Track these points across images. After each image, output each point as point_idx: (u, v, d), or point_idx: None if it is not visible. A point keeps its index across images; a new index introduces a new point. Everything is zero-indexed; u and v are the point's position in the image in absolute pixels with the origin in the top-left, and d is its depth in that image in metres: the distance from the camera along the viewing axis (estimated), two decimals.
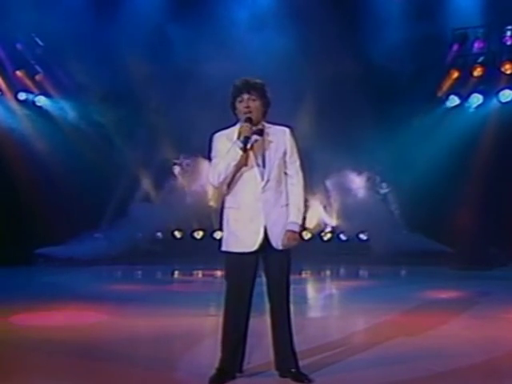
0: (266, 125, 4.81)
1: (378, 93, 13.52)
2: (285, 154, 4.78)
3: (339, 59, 13.31)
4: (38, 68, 14.27)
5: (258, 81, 4.79)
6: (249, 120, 4.68)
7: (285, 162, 4.78)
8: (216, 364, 4.75)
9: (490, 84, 13.76)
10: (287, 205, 4.76)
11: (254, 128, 4.69)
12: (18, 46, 13.99)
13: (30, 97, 14.45)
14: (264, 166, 4.69)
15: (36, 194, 13.27)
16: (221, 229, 4.88)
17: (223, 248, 4.77)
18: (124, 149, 14.52)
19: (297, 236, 4.73)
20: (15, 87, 14.28)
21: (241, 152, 4.60)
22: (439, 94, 14.36)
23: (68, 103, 14.62)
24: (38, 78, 14.38)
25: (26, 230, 13.09)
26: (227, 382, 4.69)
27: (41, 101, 14.54)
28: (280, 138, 4.79)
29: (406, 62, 13.30)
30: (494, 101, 13.71)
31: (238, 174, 4.69)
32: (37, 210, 13.18)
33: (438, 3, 13.68)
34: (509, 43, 13.44)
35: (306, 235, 14.67)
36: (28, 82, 14.36)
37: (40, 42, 13.98)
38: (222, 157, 4.67)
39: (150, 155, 14.60)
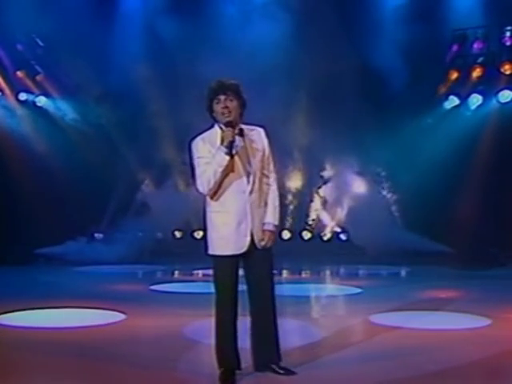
0: (244, 126, 4.85)
1: (378, 93, 13.53)
2: (263, 154, 4.86)
3: (339, 59, 13.29)
4: (38, 68, 14.34)
5: (233, 81, 4.83)
6: (229, 124, 4.70)
7: (263, 162, 4.85)
8: (218, 365, 4.80)
9: (490, 84, 13.77)
10: (265, 204, 4.85)
11: (236, 130, 4.72)
12: (19, 46, 14.06)
13: (31, 97, 14.52)
14: (250, 166, 4.76)
15: (36, 194, 13.30)
16: (205, 232, 4.89)
17: (211, 252, 4.81)
18: (124, 149, 14.54)
19: (275, 236, 4.84)
20: (16, 87, 14.37)
21: (227, 157, 4.63)
22: (439, 95, 14.39)
23: (68, 103, 14.67)
24: (38, 78, 14.44)
25: (25, 229, 13.12)
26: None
27: (41, 101, 14.60)
28: (258, 139, 4.87)
29: (406, 63, 13.33)
30: (494, 101, 13.72)
31: (226, 179, 4.72)
32: (37, 210, 13.21)
33: (438, 4, 13.70)
34: (508, 44, 13.45)
35: (306, 235, 14.71)
36: (28, 83, 14.43)
37: (40, 43, 14.05)
38: (205, 163, 4.70)
39: (151, 156, 14.63)
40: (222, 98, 4.74)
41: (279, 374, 4.85)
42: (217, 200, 4.78)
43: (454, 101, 14.24)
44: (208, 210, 4.84)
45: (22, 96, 14.40)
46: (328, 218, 15.06)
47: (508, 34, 13.37)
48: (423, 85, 13.88)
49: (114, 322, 7.08)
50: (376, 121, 13.54)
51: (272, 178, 4.94)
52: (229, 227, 4.73)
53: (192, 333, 6.57)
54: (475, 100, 13.99)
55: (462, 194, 13.15)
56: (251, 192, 4.75)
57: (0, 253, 12.11)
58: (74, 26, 13.04)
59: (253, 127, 4.93)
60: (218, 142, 4.73)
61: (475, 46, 13.84)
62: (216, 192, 4.76)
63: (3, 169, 13.30)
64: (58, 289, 9.80)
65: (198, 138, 4.83)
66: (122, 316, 7.36)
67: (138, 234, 14.34)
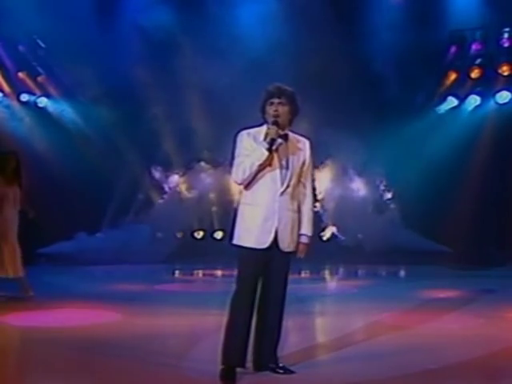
0: (290, 133, 4.96)
1: (377, 94, 13.60)
2: (303, 163, 4.95)
3: (337, 60, 13.34)
4: (39, 70, 14.40)
5: (289, 88, 4.92)
6: (276, 123, 4.80)
7: (302, 171, 4.95)
8: (222, 361, 4.78)
9: (488, 85, 13.90)
10: (298, 212, 4.94)
11: (281, 132, 4.82)
12: (21, 47, 14.12)
13: (32, 98, 14.59)
14: (287, 169, 4.85)
15: (38, 194, 13.29)
16: (234, 223, 4.96)
17: (235, 242, 4.88)
18: (125, 149, 14.59)
19: (309, 246, 5.00)
20: (17, 88, 14.42)
21: (266, 153, 4.74)
22: (437, 95, 14.47)
23: (69, 104, 14.73)
24: (39, 79, 14.51)
25: (28, 229, 13.12)
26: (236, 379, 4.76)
27: (42, 102, 14.67)
28: (301, 148, 4.97)
29: (405, 63, 13.37)
30: (492, 102, 13.85)
31: (261, 174, 4.81)
32: (39, 210, 13.21)
33: (437, 5, 13.73)
34: (506, 45, 13.57)
35: None
36: (30, 84, 14.50)
37: (42, 44, 14.09)
38: (245, 155, 4.81)
39: (152, 156, 14.70)
40: (276, 101, 4.85)
41: (278, 373, 4.89)
42: (250, 193, 4.87)
43: (452, 101, 14.36)
44: (241, 201, 4.96)
45: (24, 97, 14.47)
46: (327, 218, 15.10)
47: (506, 35, 13.49)
48: (422, 85, 13.96)
49: (115, 322, 7.10)
50: (375, 121, 13.59)
51: (309, 189, 5.05)
52: (255, 221, 4.80)
53: (193, 331, 6.62)
54: (473, 101, 14.11)
55: (460, 193, 13.23)
56: (283, 193, 4.82)
57: None
58: (75, 27, 13.05)
59: (301, 137, 5.04)
60: (261, 140, 4.83)
61: (473, 47, 13.95)
62: (250, 183, 4.85)
63: None
64: (59, 288, 9.82)
65: (244, 132, 4.94)
66: (122, 315, 7.38)
67: (138, 234, 14.42)
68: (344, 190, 15.14)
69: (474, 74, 14.01)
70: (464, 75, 14.17)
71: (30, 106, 14.58)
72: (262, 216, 4.80)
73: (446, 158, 13.24)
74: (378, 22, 13.68)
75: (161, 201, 15.33)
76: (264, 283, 4.90)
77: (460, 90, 14.27)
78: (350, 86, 13.43)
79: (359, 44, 13.56)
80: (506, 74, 13.55)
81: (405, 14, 13.77)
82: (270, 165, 4.80)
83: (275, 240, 4.81)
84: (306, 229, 5.00)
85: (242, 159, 4.81)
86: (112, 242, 13.75)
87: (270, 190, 4.82)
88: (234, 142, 4.95)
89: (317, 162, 14.55)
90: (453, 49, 14.18)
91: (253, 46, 13.20)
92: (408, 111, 14.03)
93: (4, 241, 8.39)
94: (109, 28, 13.48)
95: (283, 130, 4.88)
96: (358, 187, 15.10)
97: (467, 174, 13.35)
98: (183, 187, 15.26)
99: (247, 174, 4.80)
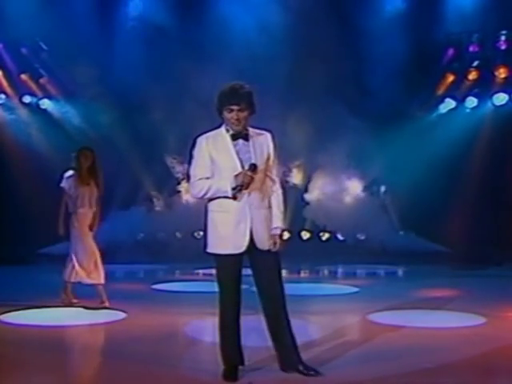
0: (250, 129, 4.90)
1: (375, 95, 13.59)
2: (268, 157, 4.89)
3: (335, 62, 13.42)
4: (42, 72, 14.47)
5: (247, 89, 4.78)
6: (253, 167, 4.72)
7: (268, 165, 4.89)
8: (222, 362, 4.88)
9: (485, 87, 13.99)
10: (269, 207, 4.90)
11: (249, 172, 4.68)
12: (23, 50, 14.21)
13: (35, 100, 14.67)
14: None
15: (39, 195, 13.39)
16: (205, 231, 4.94)
17: (210, 250, 4.86)
18: (126, 150, 14.65)
19: (282, 241, 4.92)
20: (20, 90, 14.51)
21: (230, 193, 4.69)
22: (435, 97, 14.57)
23: (71, 106, 14.82)
24: (42, 81, 14.58)
25: (29, 230, 13.25)
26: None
27: (45, 104, 14.77)
28: (263, 143, 4.90)
29: (403, 65, 13.43)
30: (489, 104, 13.95)
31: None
32: (40, 210, 13.31)
33: (434, 8, 13.80)
34: (503, 48, 13.64)
35: (305, 235, 14.81)
36: (32, 86, 14.58)
37: (44, 47, 14.18)
38: (204, 167, 4.77)
39: (152, 157, 14.77)
40: (235, 108, 4.73)
41: (306, 374, 4.84)
42: (217, 200, 4.80)
43: (450, 103, 14.45)
44: (209, 208, 4.89)
45: (26, 99, 14.55)
46: (326, 219, 15.18)
47: (503, 38, 13.57)
48: (420, 87, 14.04)
49: (116, 321, 7.15)
50: (373, 122, 13.69)
51: (277, 183, 5.00)
52: (228, 227, 4.75)
53: (193, 331, 6.71)
54: (471, 103, 14.21)
55: (458, 194, 13.31)
56: (250, 193, 4.75)
57: (3, 253, 12.28)
58: (77, 29, 13.17)
59: (260, 131, 4.96)
60: (225, 145, 4.77)
61: (471, 49, 14.03)
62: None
63: (7, 169, 13.45)
64: (59, 288, 9.84)
65: (203, 137, 4.85)
66: (123, 315, 7.43)
67: (139, 235, 14.48)
68: (343, 191, 15.21)
69: (472, 76, 14.11)
70: (461, 77, 14.27)
71: (32, 108, 14.66)
72: (234, 221, 4.75)
73: (445, 158, 13.32)
74: (377, 24, 13.76)
75: (162, 201, 15.38)
76: (257, 286, 4.90)
77: (458, 92, 14.36)
78: (347, 88, 13.49)
79: (357, 47, 13.64)
80: (502, 76, 13.65)
81: (403, 17, 13.88)
82: (233, 170, 4.74)
83: (252, 241, 4.77)
84: (277, 222, 4.91)
85: (201, 182, 4.76)
86: (112, 241, 13.78)
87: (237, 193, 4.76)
88: (192, 146, 4.88)
89: (316, 163, 14.65)
90: (450, 51, 14.26)
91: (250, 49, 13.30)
92: (406, 113, 14.12)
93: (81, 245, 7.87)
94: (111, 30, 13.55)
95: (242, 131, 4.80)
96: (356, 188, 15.15)
97: (465, 175, 13.42)
98: (183, 187, 15.30)
99: (206, 196, 4.80)
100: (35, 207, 13.38)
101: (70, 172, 7.94)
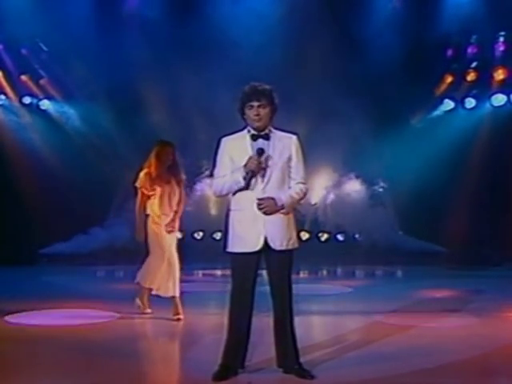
0: (273, 130, 4.94)
1: (374, 96, 13.64)
2: (289, 159, 4.89)
3: (335, 64, 13.46)
4: (42, 73, 14.48)
5: (267, 87, 4.88)
6: (261, 151, 4.78)
7: (289, 166, 4.89)
8: (219, 360, 4.89)
9: (483, 88, 14.04)
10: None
11: (263, 164, 4.75)
12: (23, 51, 14.19)
13: (35, 101, 14.68)
14: (267, 166, 4.80)
15: (40, 195, 13.44)
16: (225, 230, 4.99)
17: (228, 249, 4.91)
18: (126, 150, 14.65)
19: (274, 207, 4.78)
20: (20, 91, 14.51)
21: (242, 183, 4.76)
22: (434, 98, 14.61)
23: (71, 107, 14.84)
24: (42, 82, 14.58)
25: (29, 229, 13.27)
26: (230, 378, 4.82)
27: (45, 104, 14.78)
28: (285, 144, 4.91)
29: (402, 66, 13.46)
30: (487, 105, 14.02)
31: None
32: (41, 211, 13.35)
33: (433, 9, 13.83)
34: (501, 49, 13.70)
35: (304, 236, 14.84)
36: (32, 87, 14.58)
37: (44, 48, 14.18)
38: (222, 175, 4.85)
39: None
40: (255, 104, 4.79)
41: (300, 376, 4.85)
42: (235, 198, 4.89)
43: (449, 104, 14.51)
44: (229, 207, 4.97)
45: (26, 99, 14.56)
46: (326, 220, 15.21)
47: (501, 39, 13.62)
48: (419, 88, 14.07)
49: (116, 321, 7.20)
50: (372, 123, 13.71)
51: (301, 182, 4.92)
52: (243, 225, 4.80)
53: (193, 331, 6.75)
54: (469, 103, 14.26)
55: (457, 194, 13.36)
56: (265, 191, 4.78)
57: (4, 253, 12.31)
58: (77, 30, 13.16)
59: (286, 134, 4.98)
60: (244, 146, 4.84)
61: (469, 50, 14.07)
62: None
63: (7, 170, 13.48)
64: (60, 288, 9.89)
65: (226, 139, 4.96)
66: (123, 315, 7.46)
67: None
68: (341, 191, 15.24)
69: (470, 77, 14.16)
70: (460, 78, 14.32)
71: (33, 109, 14.67)
72: (249, 219, 4.79)
73: (443, 159, 13.36)
74: (376, 25, 13.79)
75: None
76: (270, 285, 4.94)
77: (456, 93, 14.41)
78: (346, 88, 13.52)
79: (356, 47, 13.63)
80: (501, 77, 13.71)
81: (402, 18, 13.88)
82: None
83: (266, 240, 4.79)
84: (283, 197, 4.81)
85: (221, 178, 4.86)
86: (112, 241, 13.82)
87: (252, 192, 4.80)
88: (217, 147, 4.96)
89: (316, 163, 14.66)
90: (449, 52, 14.29)
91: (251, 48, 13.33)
92: (405, 113, 14.17)
93: (158, 251, 7.22)
94: (111, 31, 13.56)
95: (264, 129, 4.85)
96: (356, 188, 15.19)
97: (463, 175, 13.46)
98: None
99: (224, 192, 4.89)
100: (35, 207, 13.40)
101: (146, 169, 7.30)
